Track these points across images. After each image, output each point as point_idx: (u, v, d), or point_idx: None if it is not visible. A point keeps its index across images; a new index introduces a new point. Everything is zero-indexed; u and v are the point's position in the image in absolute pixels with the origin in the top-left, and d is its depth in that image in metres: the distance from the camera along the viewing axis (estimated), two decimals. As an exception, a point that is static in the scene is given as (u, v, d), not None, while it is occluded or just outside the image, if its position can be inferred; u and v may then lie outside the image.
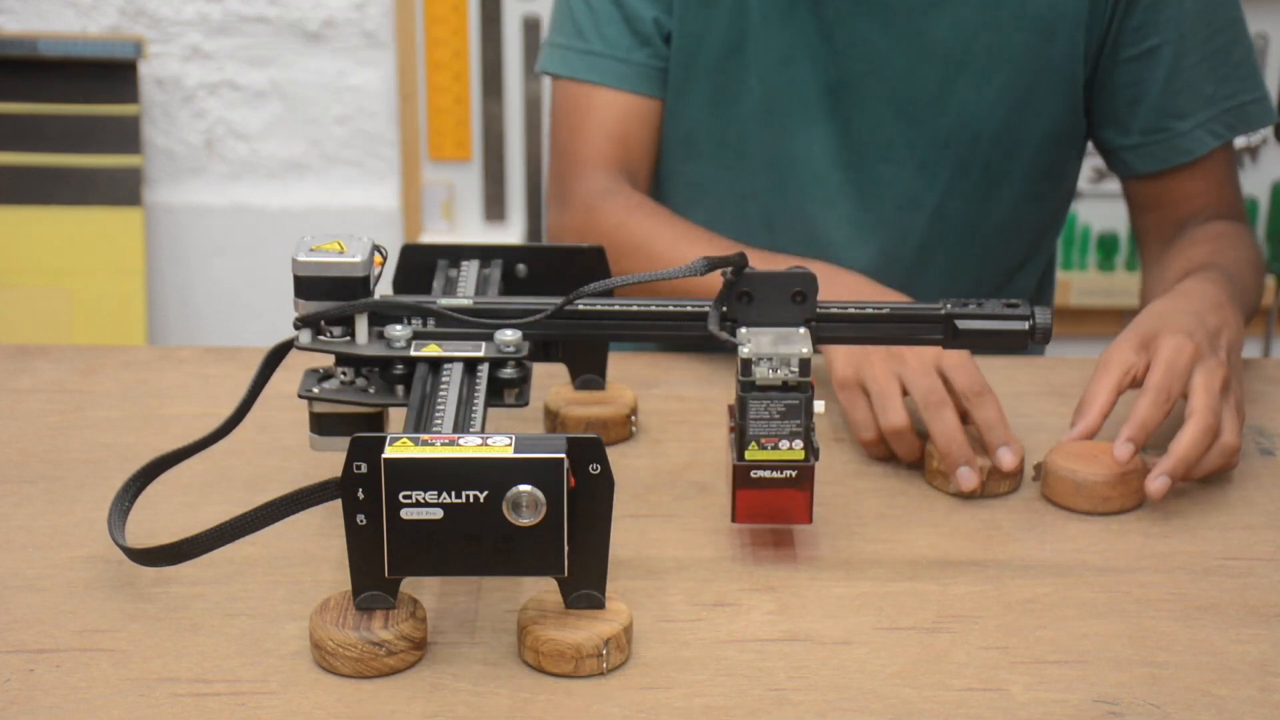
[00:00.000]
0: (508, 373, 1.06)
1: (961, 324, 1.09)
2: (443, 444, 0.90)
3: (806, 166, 1.48)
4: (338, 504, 0.91)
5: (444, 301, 1.09)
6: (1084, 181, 2.71)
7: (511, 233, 2.71)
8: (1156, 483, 1.11)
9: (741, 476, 1.03)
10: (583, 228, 1.45)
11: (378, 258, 1.09)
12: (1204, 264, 1.37)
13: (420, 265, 1.20)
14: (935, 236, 1.50)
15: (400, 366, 1.06)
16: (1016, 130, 1.46)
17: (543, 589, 0.96)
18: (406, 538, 0.90)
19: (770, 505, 1.03)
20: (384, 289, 1.13)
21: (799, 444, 1.02)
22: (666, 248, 1.38)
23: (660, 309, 1.11)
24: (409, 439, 0.90)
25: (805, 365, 1.02)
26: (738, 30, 1.45)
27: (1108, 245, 2.74)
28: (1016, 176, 1.49)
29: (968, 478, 1.13)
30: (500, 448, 0.89)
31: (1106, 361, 1.19)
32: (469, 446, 0.89)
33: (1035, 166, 1.49)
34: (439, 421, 1.00)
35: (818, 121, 1.47)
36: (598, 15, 1.49)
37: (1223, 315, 1.25)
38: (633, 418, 1.23)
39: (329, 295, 1.06)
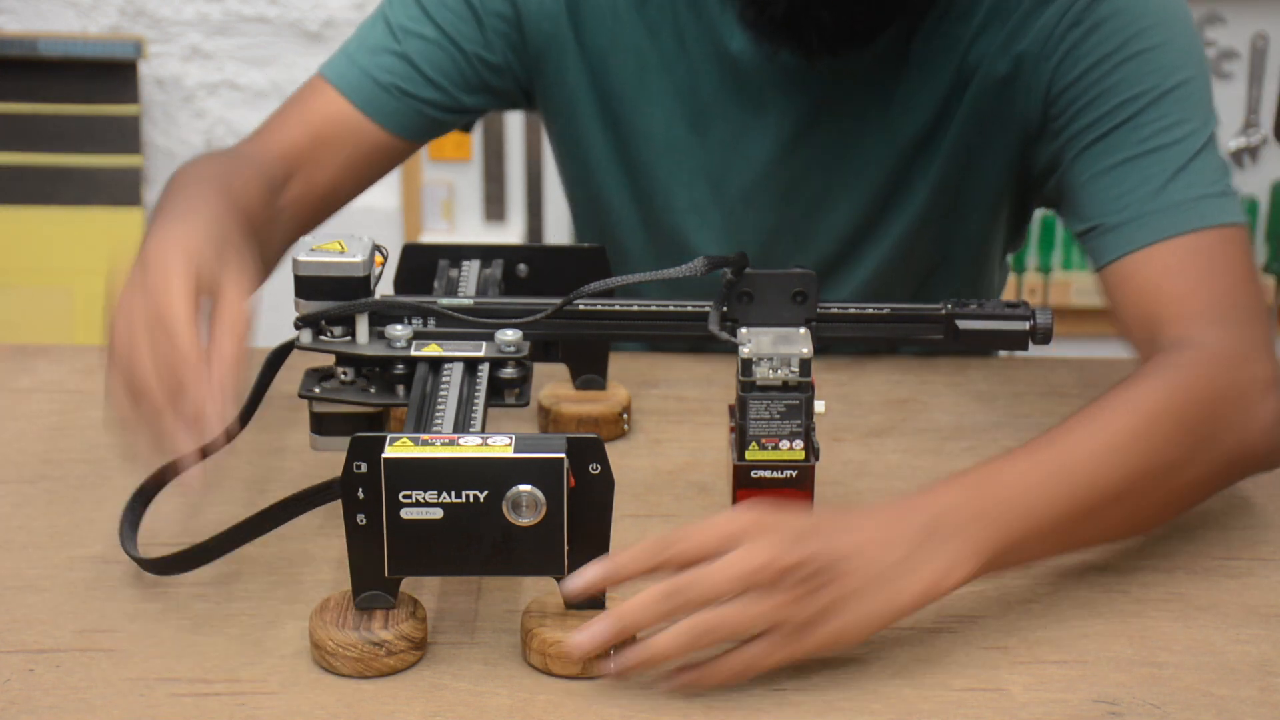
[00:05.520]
0: (508, 372, 1.06)
1: (962, 324, 1.09)
2: (443, 444, 0.90)
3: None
4: (338, 504, 0.91)
5: (445, 301, 1.09)
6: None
7: (511, 233, 2.71)
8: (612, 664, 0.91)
9: (742, 476, 1.03)
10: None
11: (378, 258, 1.09)
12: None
13: (421, 265, 1.20)
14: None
15: (401, 366, 1.06)
16: (943, 241, 1.37)
17: (543, 590, 0.96)
18: (406, 537, 0.90)
19: (770, 505, 1.03)
20: (385, 289, 1.13)
21: (799, 444, 1.02)
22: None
23: (660, 309, 1.11)
24: (409, 439, 0.90)
25: (805, 365, 1.02)
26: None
27: (1108, 245, 2.74)
28: (945, 278, 1.40)
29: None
30: (500, 448, 0.89)
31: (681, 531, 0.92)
32: (469, 446, 0.89)
33: (964, 269, 1.41)
34: (439, 421, 1.00)
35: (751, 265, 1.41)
36: (378, 38, 1.36)
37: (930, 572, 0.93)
38: (625, 415, 1.23)
39: (329, 295, 1.06)
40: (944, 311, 1.10)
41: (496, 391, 1.06)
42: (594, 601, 0.93)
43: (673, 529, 0.91)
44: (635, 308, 1.11)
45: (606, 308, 1.11)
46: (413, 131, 1.35)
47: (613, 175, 1.39)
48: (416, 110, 1.34)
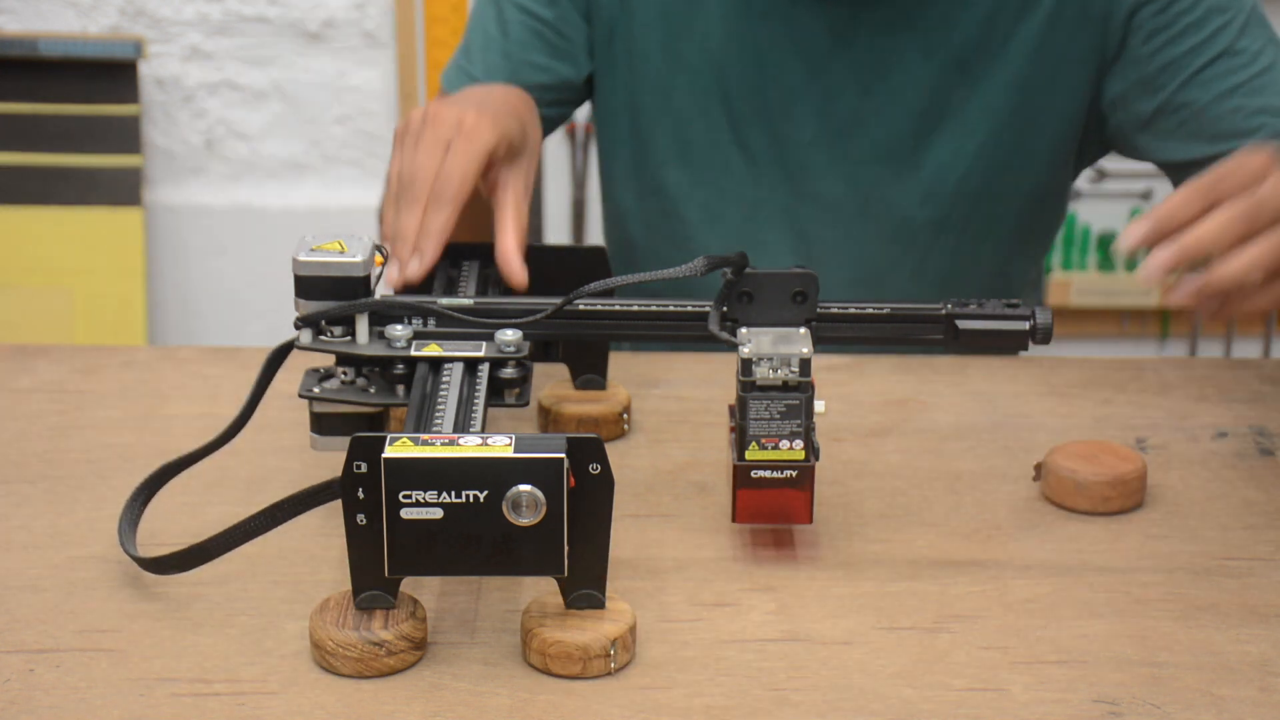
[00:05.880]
0: (508, 372, 1.06)
1: (962, 324, 1.09)
2: (443, 444, 0.90)
3: (784, 223, 1.46)
4: (338, 504, 0.91)
5: (445, 301, 1.09)
6: (1084, 181, 2.71)
7: (511, 233, 2.71)
8: (1155, 259, 1.00)
9: (742, 476, 1.03)
10: None
11: (378, 258, 1.09)
12: None
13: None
14: (921, 285, 1.47)
15: (401, 366, 1.06)
16: (998, 187, 1.43)
17: (543, 590, 0.96)
18: (406, 537, 0.90)
19: (770, 505, 1.03)
20: (385, 289, 1.13)
21: (799, 444, 1.02)
22: None
23: (660, 309, 1.11)
24: (409, 439, 0.90)
25: (805, 365, 1.02)
26: (703, 88, 1.43)
27: (1108, 245, 2.75)
28: (999, 232, 1.46)
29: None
30: (500, 448, 0.89)
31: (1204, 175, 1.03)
32: (469, 446, 0.89)
33: (1019, 221, 1.46)
34: (439, 421, 1.00)
35: (788, 180, 1.44)
36: (487, 42, 1.47)
37: None
38: (625, 415, 1.23)
39: (329, 295, 1.06)
40: (944, 311, 1.10)
41: (496, 391, 1.06)
42: (593, 601, 0.93)
43: (1206, 176, 1.01)
44: (635, 308, 1.11)
45: (606, 308, 1.11)
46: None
47: (659, 102, 1.44)
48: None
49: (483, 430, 1.01)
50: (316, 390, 1.07)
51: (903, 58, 1.38)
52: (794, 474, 1.02)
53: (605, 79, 1.47)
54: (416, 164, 1.15)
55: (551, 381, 1.25)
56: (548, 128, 1.45)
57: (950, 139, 1.40)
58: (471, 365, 1.06)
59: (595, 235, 2.68)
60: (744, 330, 1.07)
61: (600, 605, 0.94)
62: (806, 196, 1.43)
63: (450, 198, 1.13)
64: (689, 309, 1.10)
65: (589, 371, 1.23)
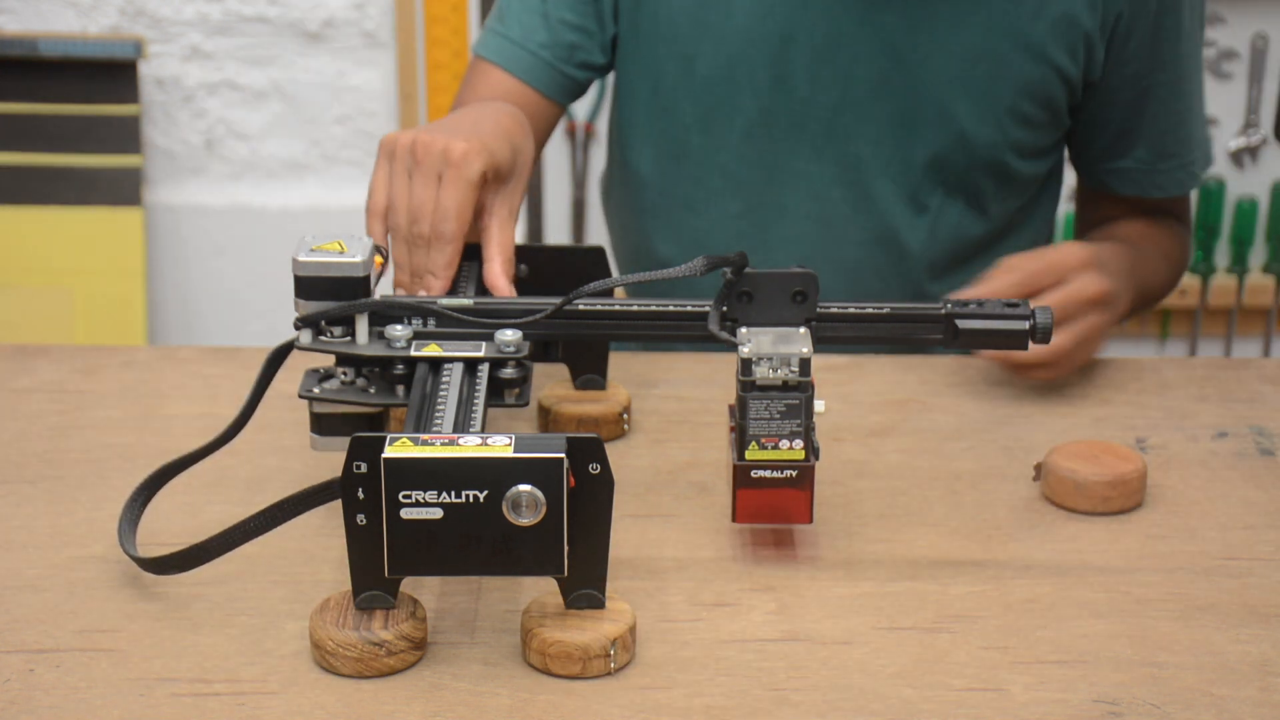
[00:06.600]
0: (508, 372, 1.06)
1: (962, 324, 1.09)
2: (442, 444, 0.90)
3: (804, 187, 1.48)
4: (338, 504, 0.91)
5: (444, 301, 1.09)
6: (1084, 181, 2.71)
7: (511, 233, 2.71)
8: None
9: (742, 476, 1.03)
10: None
11: (378, 258, 1.09)
12: (1136, 240, 1.47)
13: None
14: (932, 250, 1.50)
15: (400, 366, 1.06)
16: (1018, 146, 1.45)
17: (543, 590, 0.96)
18: (406, 537, 0.90)
19: (770, 505, 1.03)
20: (385, 289, 1.13)
21: (799, 444, 1.02)
22: None
23: (660, 309, 1.11)
24: (409, 439, 0.90)
25: (805, 365, 1.02)
26: (726, 57, 1.45)
27: (1108, 245, 2.74)
28: (1013, 189, 1.49)
29: None
30: (500, 447, 0.89)
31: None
32: (469, 446, 0.89)
33: (1035, 175, 1.50)
34: (439, 421, 1.00)
35: (810, 143, 1.46)
36: (525, 4, 1.49)
37: (1124, 284, 1.34)
38: (625, 415, 1.23)
39: (329, 295, 1.06)
40: (944, 311, 1.10)
41: (496, 391, 1.06)
42: (593, 600, 0.93)
43: (1032, 266, 1.27)
44: (635, 308, 1.11)
45: (606, 308, 1.11)
46: (568, 95, 1.49)
47: (683, 68, 1.46)
48: (566, 75, 1.48)
49: (482, 430, 1.01)
50: (316, 390, 1.07)
51: (935, 25, 1.39)
52: (794, 474, 1.02)
53: (630, 44, 1.48)
54: (414, 200, 1.17)
55: (551, 381, 1.25)
56: (574, 92, 1.50)
57: (977, 104, 1.41)
58: (471, 365, 1.06)
59: (595, 235, 2.68)
60: (744, 330, 1.07)
61: (600, 605, 0.94)
62: (827, 159, 1.45)
63: (451, 235, 1.16)
64: (689, 309, 1.10)
65: (589, 371, 1.23)
